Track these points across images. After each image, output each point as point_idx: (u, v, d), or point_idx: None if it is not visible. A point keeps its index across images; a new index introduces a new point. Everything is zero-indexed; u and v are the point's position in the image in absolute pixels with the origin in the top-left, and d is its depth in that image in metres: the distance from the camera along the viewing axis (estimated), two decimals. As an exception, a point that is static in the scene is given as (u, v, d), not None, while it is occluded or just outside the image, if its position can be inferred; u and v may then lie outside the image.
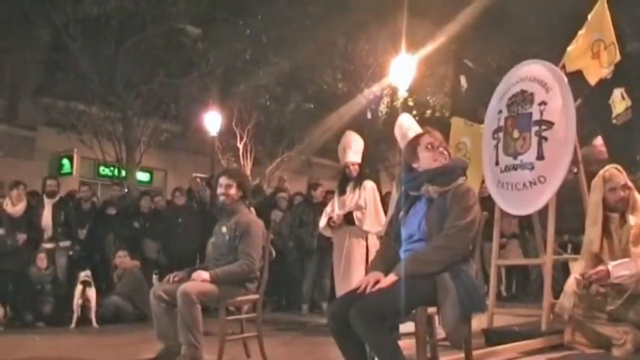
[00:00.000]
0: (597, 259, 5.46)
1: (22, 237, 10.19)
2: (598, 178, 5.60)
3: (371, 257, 7.05)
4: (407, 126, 7.13)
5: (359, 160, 8.05)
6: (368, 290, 3.83)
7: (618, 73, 6.65)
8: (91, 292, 9.61)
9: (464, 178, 4.13)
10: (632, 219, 5.33)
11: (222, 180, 5.95)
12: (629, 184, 5.46)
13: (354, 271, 7.40)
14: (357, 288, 3.98)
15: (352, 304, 3.75)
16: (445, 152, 4.20)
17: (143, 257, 11.24)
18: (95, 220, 11.64)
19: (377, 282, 3.89)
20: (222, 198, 5.89)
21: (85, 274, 9.68)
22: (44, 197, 10.89)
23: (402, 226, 4.20)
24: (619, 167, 5.59)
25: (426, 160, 4.18)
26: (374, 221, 7.76)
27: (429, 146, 4.21)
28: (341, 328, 3.84)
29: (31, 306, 9.65)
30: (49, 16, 16.27)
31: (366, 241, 7.80)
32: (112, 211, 11.76)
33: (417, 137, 4.40)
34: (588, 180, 5.98)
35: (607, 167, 5.67)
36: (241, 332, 5.95)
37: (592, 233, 5.55)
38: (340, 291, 7.34)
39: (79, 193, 12.75)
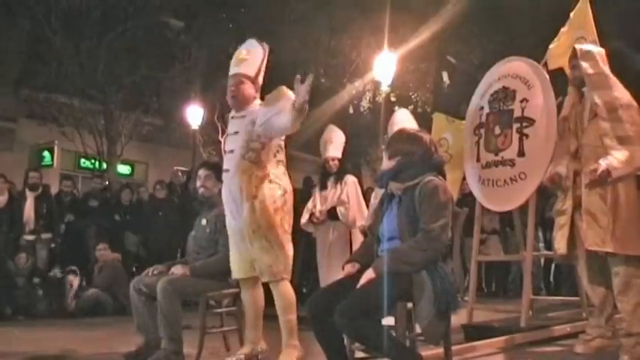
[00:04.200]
0: (568, 131, 5.41)
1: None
2: None
3: (354, 250, 7.10)
4: (395, 122, 7.14)
5: (339, 155, 8.04)
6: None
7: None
8: (75, 280, 9.81)
9: (434, 173, 4.07)
10: (597, 97, 5.13)
11: (201, 172, 6.01)
12: (582, 63, 5.28)
13: (338, 266, 7.41)
14: (337, 282, 4.12)
15: (331, 298, 3.89)
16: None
17: (123, 250, 11.20)
18: (76, 212, 11.58)
19: (351, 274, 4.10)
20: (201, 190, 5.92)
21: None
22: (26, 190, 10.81)
23: (380, 224, 4.22)
24: (576, 47, 5.46)
25: (384, 160, 4.25)
26: (357, 215, 7.78)
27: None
28: (320, 320, 3.94)
29: (10, 299, 9.59)
30: (30, 6, 16.16)
31: (350, 235, 7.83)
32: (93, 203, 11.71)
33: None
34: None
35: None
36: (221, 326, 5.96)
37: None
38: (325, 284, 7.35)
39: (60, 186, 12.65)
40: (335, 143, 8.03)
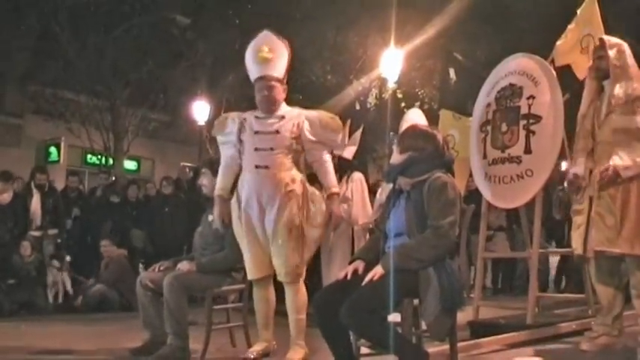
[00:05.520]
0: (585, 130, 5.37)
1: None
2: None
3: (356, 249, 7.11)
4: (407, 121, 7.12)
5: (349, 157, 8.05)
6: (349, 277, 4.02)
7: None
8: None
9: (443, 170, 4.04)
10: (617, 88, 5.13)
11: (204, 169, 6.02)
12: (609, 53, 5.22)
13: (340, 263, 7.41)
14: (342, 279, 4.06)
15: (336, 295, 3.86)
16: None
17: (130, 246, 11.20)
18: (91, 207, 11.62)
19: (355, 271, 4.04)
20: (203, 188, 5.96)
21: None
22: (32, 187, 10.80)
23: (387, 220, 4.21)
24: (604, 38, 5.43)
25: (395, 154, 4.22)
26: (360, 213, 7.77)
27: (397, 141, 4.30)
28: (326, 318, 3.92)
29: (15, 294, 9.61)
30: (37, 2, 16.19)
31: (352, 232, 7.82)
32: (115, 199, 11.74)
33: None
34: None
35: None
36: (227, 322, 5.96)
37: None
38: (327, 282, 7.36)
39: (67, 182, 12.66)
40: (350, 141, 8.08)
